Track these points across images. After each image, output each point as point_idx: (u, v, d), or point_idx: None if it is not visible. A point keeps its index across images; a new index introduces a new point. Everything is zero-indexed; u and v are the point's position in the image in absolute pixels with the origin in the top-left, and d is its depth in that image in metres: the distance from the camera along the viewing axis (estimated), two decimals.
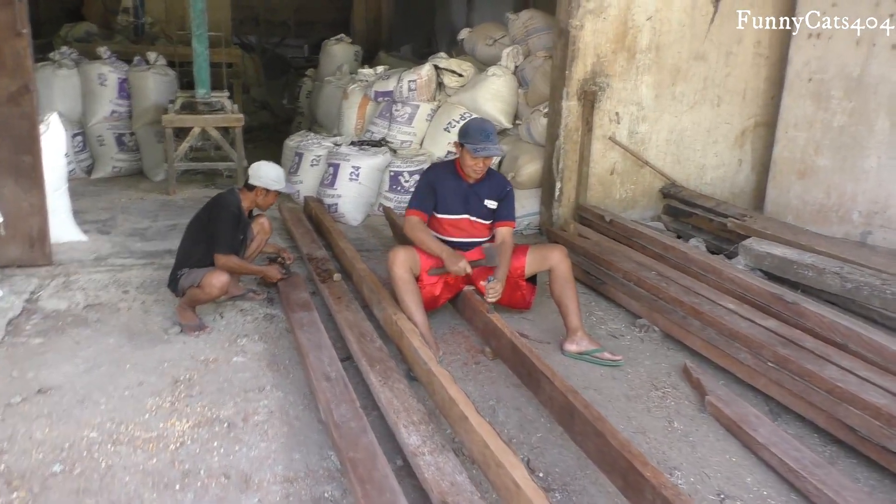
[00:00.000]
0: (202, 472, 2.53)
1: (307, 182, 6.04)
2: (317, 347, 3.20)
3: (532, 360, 2.94)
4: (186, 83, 8.62)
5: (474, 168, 3.53)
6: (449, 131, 6.15)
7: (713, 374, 3.38)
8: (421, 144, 6.40)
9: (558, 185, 5.25)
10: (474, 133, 3.49)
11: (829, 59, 4.95)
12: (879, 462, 2.64)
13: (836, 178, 4.98)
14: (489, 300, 3.38)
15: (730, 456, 2.77)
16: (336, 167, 5.75)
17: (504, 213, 3.68)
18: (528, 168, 5.56)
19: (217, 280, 3.50)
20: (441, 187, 3.66)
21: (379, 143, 6.16)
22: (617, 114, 5.26)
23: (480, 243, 3.72)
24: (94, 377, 3.17)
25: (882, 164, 4.68)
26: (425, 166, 5.96)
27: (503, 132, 6.30)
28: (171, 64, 7.61)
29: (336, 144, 6.19)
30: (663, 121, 5.41)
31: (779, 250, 4.04)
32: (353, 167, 5.69)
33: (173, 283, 3.72)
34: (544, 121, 5.46)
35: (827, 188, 5.06)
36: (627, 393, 3.22)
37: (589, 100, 5.07)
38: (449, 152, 6.00)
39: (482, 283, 3.46)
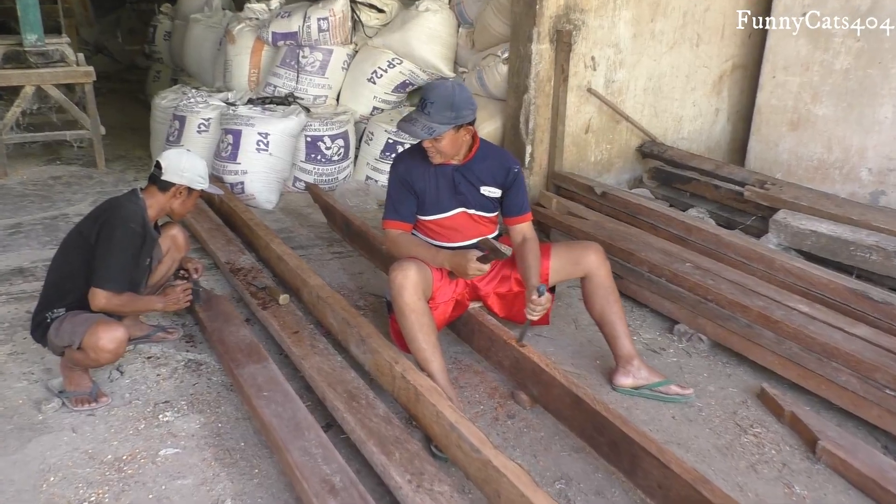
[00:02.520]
0: None
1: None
2: (295, 430, 2.24)
3: (619, 426, 2.16)
4: (2, 26, 6.94)
5: (428, 151, 2.64)
6: (374, 82, 5.14)
7: (794, 397, 2.78)
8: (337, 99, 5.33)
9: (528, 148, 4.44)
10: (418, 99, 2.61)
11: None
12: None
13: (840, 130, 4.52)
14: (533, 317, 2.52)
15: None
16: (236, 134, 4.59)
17: (517, 205, 2.80)
18: (486, 128, 4.69)
19: (109, 340, 2.42)
20: (419, 180, 2.72)
21: (286, 101, 5.03)
22: (593, 58, 4.49)
23: None
24: None
25: None
26: (349, 128, 4.96)
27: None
28: None
29: (229, 104, 5.00)
30: (642, 65, 4.71)
31: (825, 227, 3.49)
32: (261, 134, 4.57)
33: (39, 331, 2.58)
34: (504, 69, 4.59)
35: (828, 141, 4.60)
36: (716, 443, 2.53)
37: (564, 42, 4.25)
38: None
39: (533, 296, 2.53)
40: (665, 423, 2.62)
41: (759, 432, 2.60)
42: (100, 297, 2.49)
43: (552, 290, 2.95)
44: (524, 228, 2.79)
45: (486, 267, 2.50)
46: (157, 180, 2.70)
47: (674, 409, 2.70)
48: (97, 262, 2.50)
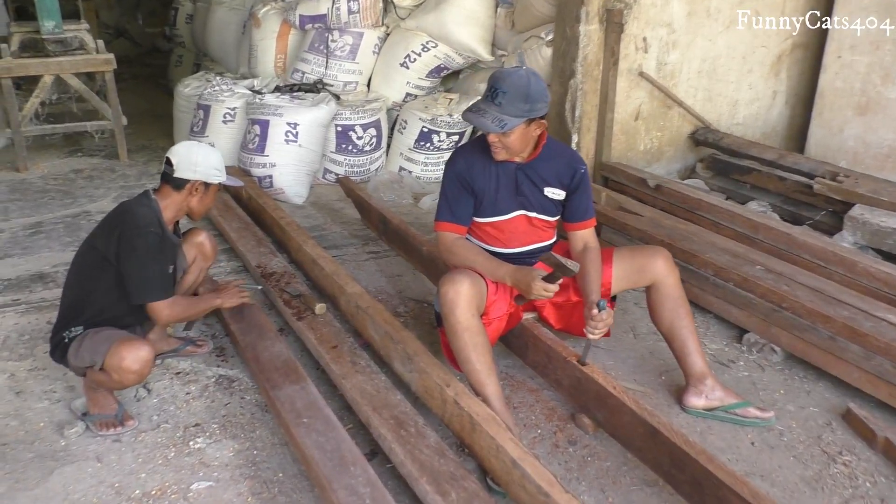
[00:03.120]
0: None
1: (221, 146, 4.64)
2: (340, 464, 2.04)
3: (704, 464, 1.93)
4: (20, 12, 6.78)
5: (491, 141, 2.39)
6: (408, 67, 4.90)
7: (884, 418, 2.53)
8: (368, 85, 5.10)
9: (574, 137, 4.18)
10: (487, 86, 2.33)
11: None
12: None
13: None
14: (594, 335, 2.30)
15: None
16: (264, 125, 4.39)
17: (581, 209, 2.56)
18: None
19: (134, 360, 2.24)
20: (478, 179, 2.48)
21: (315, 88, 4.81)
22: (644, 39, 4.21)
23: (545, 250, 2.62)
24: None
25: None
26: (381, 116, 4.73)
27: (474, 65, 5.12)
28: None
29: (256, 91, 4.80)
30: (696, 46, 4.42)
31: None
32: (290, 124, 4.36)
33: (58, 351, 2.40)
34: (547, 52, 4.32)
35: None
36: (803, 474, 2.30)
37: (615, 22, 3.97)
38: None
39: (593, 311, 2.30)
40: (744, 450, 2.39)
41: (850, 460, 2.36)
42: (161, 310, 2.40)
43: (613, 298, 2.72)
44: (586, 235, 2.55)
45: (555, 287, 2.26)
46: (169, 178, 2.48)
47: (752, 434, 2.46)
48: (133, 280, 2.35)
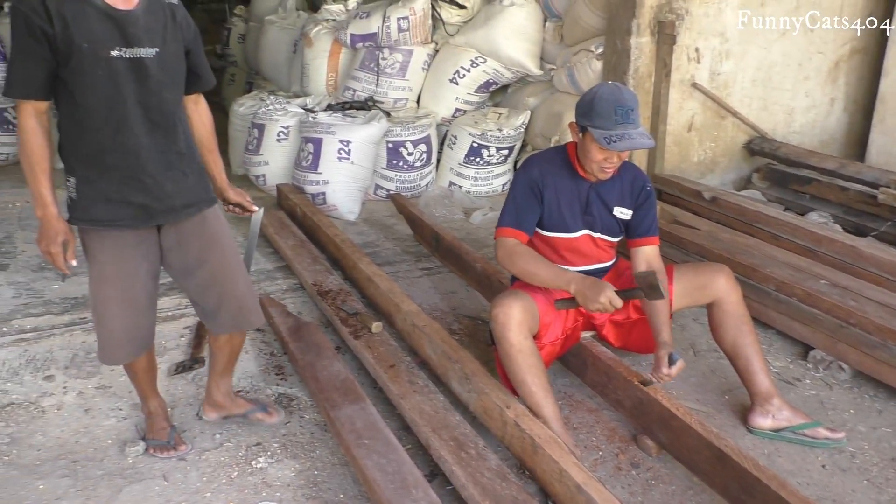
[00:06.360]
0: None
1: (275, 164, 4.71)
2: (401, 487, 2.02)
3: (776, 490, 1.85)
4: None
5: (603, 166, 2.31)
6: (457, 83, 4.90)
7: None
8: (418, 102, 5.11)
9: None
10: (604, 109, 2.19)
11: None
12: None
13: None
14: (662, 379, 2.27)
15: None
16: (317, 143, 4.42)
17: (645, 225, 2.49)
18: None
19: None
20: (550, 190, 2.42)
21: (366, 105, 4.84)
22: (697, 50, 4.12)
23: (604, 270, 2.57)
24: None
25: None
26: (431, 132, 4.72)
27: (522, 79, 5.10)
28: None
29: (308, 110, 4.84)
30: (750, 55, 4.31)
31: None
32: (342, 142, 4.38)
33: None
34: (598, 65, 4.26)
35: None
36: (878, 499, 2.19)
37: (666, 34, 3.91)
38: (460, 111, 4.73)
39: (663, 369, 2.27)
40: (815, 473, 2.29)
41: None
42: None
43: (671, 316, 2.64)
44: (650, 254, 2.48)
45: (620, 303, 2.20)
46: None
47: (823, 456, 2.36)
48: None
